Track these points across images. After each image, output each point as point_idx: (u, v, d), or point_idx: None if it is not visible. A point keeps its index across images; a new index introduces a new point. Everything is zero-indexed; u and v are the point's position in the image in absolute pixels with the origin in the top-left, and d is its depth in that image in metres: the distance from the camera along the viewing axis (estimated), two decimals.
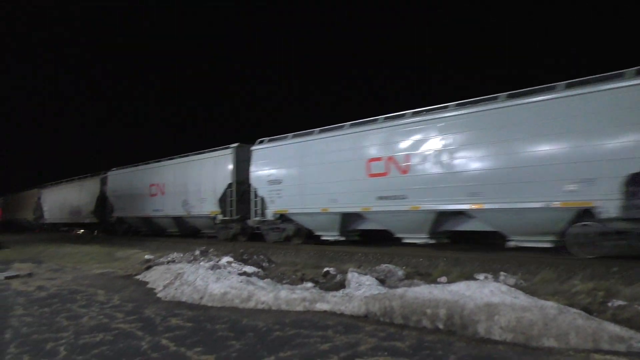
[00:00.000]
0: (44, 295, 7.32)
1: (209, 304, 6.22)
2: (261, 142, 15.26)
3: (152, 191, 20.47)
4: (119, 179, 23.37)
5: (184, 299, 6.58)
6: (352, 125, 12.55)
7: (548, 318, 4.10)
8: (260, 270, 8.32)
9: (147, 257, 11.24)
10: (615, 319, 4.32)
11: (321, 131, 13.30)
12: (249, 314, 5.61)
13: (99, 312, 5.95)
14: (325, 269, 7.96)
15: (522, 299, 4.53)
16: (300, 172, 13.63)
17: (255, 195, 15.11)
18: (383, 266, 7.93)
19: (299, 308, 5.64)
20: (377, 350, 3.99)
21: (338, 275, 7.43)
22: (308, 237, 14.15)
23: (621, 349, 3.75)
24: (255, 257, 9.43)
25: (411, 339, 4.29)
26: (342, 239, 13.00)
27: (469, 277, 6.95)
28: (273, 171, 14.41)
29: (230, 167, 16.45)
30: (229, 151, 16.75)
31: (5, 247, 18.45)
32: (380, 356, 3.84)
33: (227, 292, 6.29)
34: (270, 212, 14.49)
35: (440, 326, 4.58)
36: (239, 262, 8.76)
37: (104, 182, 24.97)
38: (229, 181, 16.38)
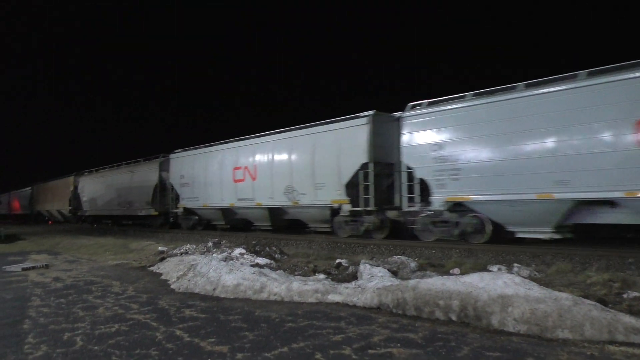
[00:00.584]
0: (61, 286, 7.43)
1: (222, 295, 6.27)
2: (415, 106, 11.94)
3: (237, 176, 16.65)
4: (187, 162, 19.64)
5: (197, 290, 6.64)
6: (593, 73, 9.00)
7: (563, 309, 4.07)
8: (272, 261, 8.36)
9: (160, 248, 11.35)
10: (631, 311, 4.28)
11: (528, 86, 9.84)
12: (262, 305, 5.64)
13: (114, 303, 6.02)
14: (338, 261, 7.97)
15: (536, 290, 4.50)
16: (496, 144, 10.08)
17: (410, 178, 11.84)
18: (395, 257, 7.93)
19: (312, 299, 5.66)
20: (390, 342, 3.99)
21: (350, 267, 7.44)
22: (496, 233, 10.56)
23: (637, 340, 3.71)
24: (267, 248, 9.46)
25: (424, 331, 4.28)
26: (557, 236, 9.62)
27: (482, 268, 6.92)
28: (443, 144, 10.94)
29: (365, 141, 12.55)
30: (362, 121, 12.79)
31: (21, 239, 18.78)
32: (394, 347, 3.84)
33: (240, 284, 6.33)
34: (437, 200, 11.11)
35: (454, 318, 4.57)
36: (251, 254, 8.80)
37: (163, 168, 21.51)
38: (363, 160, 12.58)
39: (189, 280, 6.99)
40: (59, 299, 6.40)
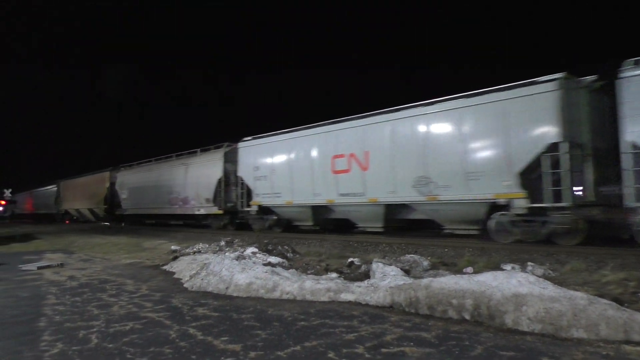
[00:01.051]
0: (75, 284, 7.51)
1: (235, 294, 6.29)
2: None
3: (338, 166, 13.71)
4: (263, 151, 16.63)
5: (210, 289, 6.67)
6: None
7: (577, 309, 4.02)
8: (284, 260, 8.38)
9: (173, 247, 11.43)
10: None
11: None
12: (274, 304, 5.66)
13: (128, 301, 6.07)
14: (350, 260, 7.97)
15: (551, 289, 4.45)
16: None
17: (637, 162, 8.67)
18: (408, 256, 7.91)
19: (324, 298, 5.67)
20: (403, 341, 3.98)
21: (362, 266, 7.43)
22: None
23: None
24: (279, 247, 9.49)
25: (437, 330, 4.26)
26: None
27: (496, 267, 6.87)
28: None
29: (556, 114, 9.38)
30: (548, 86, 9.55)
31: (36, 238, 19.03)
32: (406, 346, 3.83)
33: (253, 283, 6.36)
34: None
35: (467, 317, 4.54)
36: (264, 253, 8.83)
37: (229, 159, 18.78)
38: (551, 140, 9.47)
39: (202, 279, 7.03)
40: (74, 297, 6.48)
